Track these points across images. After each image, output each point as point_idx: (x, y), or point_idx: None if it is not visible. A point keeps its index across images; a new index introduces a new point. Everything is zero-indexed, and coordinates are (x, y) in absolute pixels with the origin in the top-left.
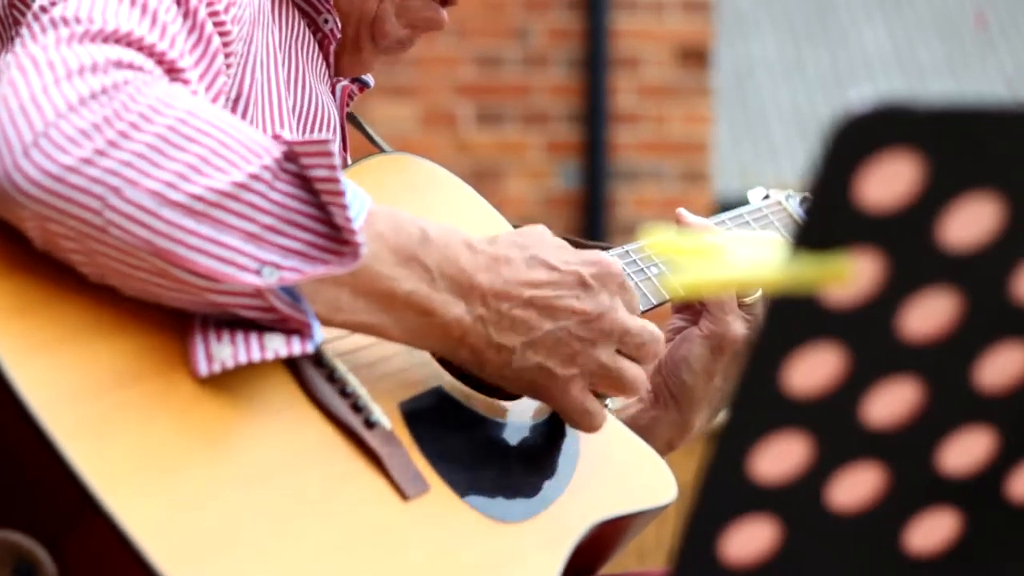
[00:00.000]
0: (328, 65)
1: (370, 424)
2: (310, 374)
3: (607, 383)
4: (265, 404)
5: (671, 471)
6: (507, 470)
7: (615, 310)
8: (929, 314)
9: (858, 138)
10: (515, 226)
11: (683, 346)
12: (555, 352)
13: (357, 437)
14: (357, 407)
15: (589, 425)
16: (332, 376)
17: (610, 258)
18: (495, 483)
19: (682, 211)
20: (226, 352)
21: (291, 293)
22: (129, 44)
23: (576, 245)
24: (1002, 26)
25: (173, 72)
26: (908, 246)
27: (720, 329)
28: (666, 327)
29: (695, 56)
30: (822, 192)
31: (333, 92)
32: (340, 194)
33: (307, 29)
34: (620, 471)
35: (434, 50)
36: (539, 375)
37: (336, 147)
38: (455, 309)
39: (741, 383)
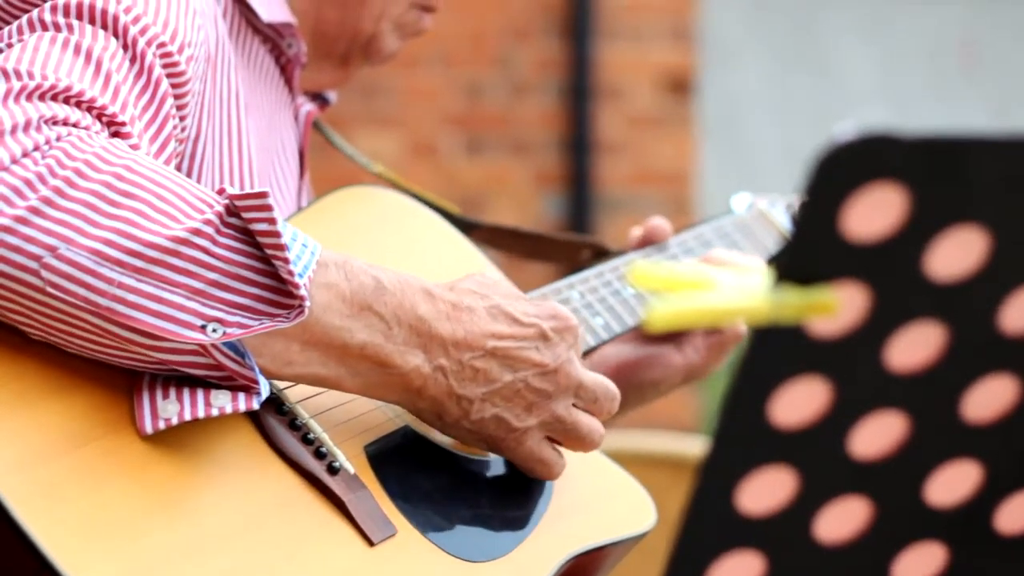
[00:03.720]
0: (291, 89)
1: (333, 470)
2: (271, 422)
3: (563, 435)
4: (225, 456)
5: (650, 497)
6: (478, 506)
7: (571, 362)
8: (915, 346)
9: (843, 170)
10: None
11: (656, 370)
12: (512, 403)
13: (321, 484)
14: (320, 453)
15: (545, 474)
16: (293, 423)
17: (567, 311)
18: (465, 521)
19: (657, 221)
20: (171, 409)
21: (236, 349)
22: (67, 100)
23: (557, 242)
24: (987, 56)
25: (114, 126)
26: (893, 278)
27: (708, 368)
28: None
29: (680, 86)
30: (807, 224)
31: (296, 116)
32: (282, 248)
33: (268, 55)
34: (596, 500)
35: (418, 80)
36: (496, 427)
37: (275, 175)
38: (413, 359)
39: (727, 416)
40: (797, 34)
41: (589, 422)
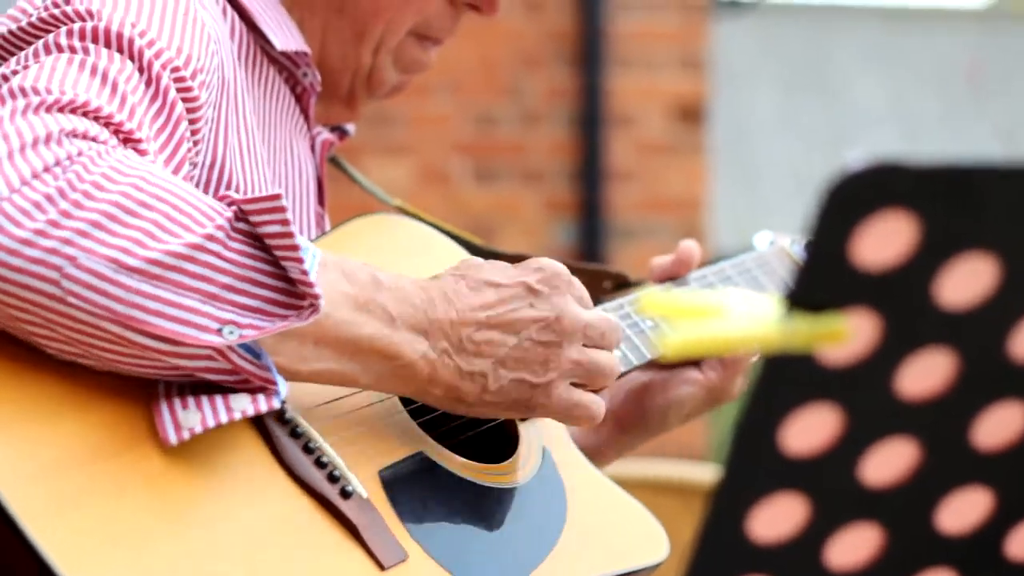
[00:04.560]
0: (307, 118)
1: (346, 494)
2: (284, 444)
3: (585, 377)
4: (238, 477)
5: (663, 528)
6: (491, 535)
7: (569, 305)
8: (925, 373)
9: (853, 198)
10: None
11: (680, 388)
12: (527, 363)
13: (333, 507)
14: (333, 476)
15: (588, 416)
16: (307, 446)
17: (551, 261)
18: (477, 549)
19: (688, 243)
20: (194, 418)
21: (251, 350)
22: (85, 114)
23: (580, 271)
24: (996, 81)
25: (130, 142)
26: (904, 305)
27: (727, 386)
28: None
29: (691, 113)
30: (818, 252)
31: (312, 145)
32: (295, 248)
33: (284, 84)
34: (609, 531)
35: (429, 108)
36: (519, 390)
37: (290, 201)
38: (419, 346)
39: (738, 442)
40: (806, 60)
41: (605, 357)
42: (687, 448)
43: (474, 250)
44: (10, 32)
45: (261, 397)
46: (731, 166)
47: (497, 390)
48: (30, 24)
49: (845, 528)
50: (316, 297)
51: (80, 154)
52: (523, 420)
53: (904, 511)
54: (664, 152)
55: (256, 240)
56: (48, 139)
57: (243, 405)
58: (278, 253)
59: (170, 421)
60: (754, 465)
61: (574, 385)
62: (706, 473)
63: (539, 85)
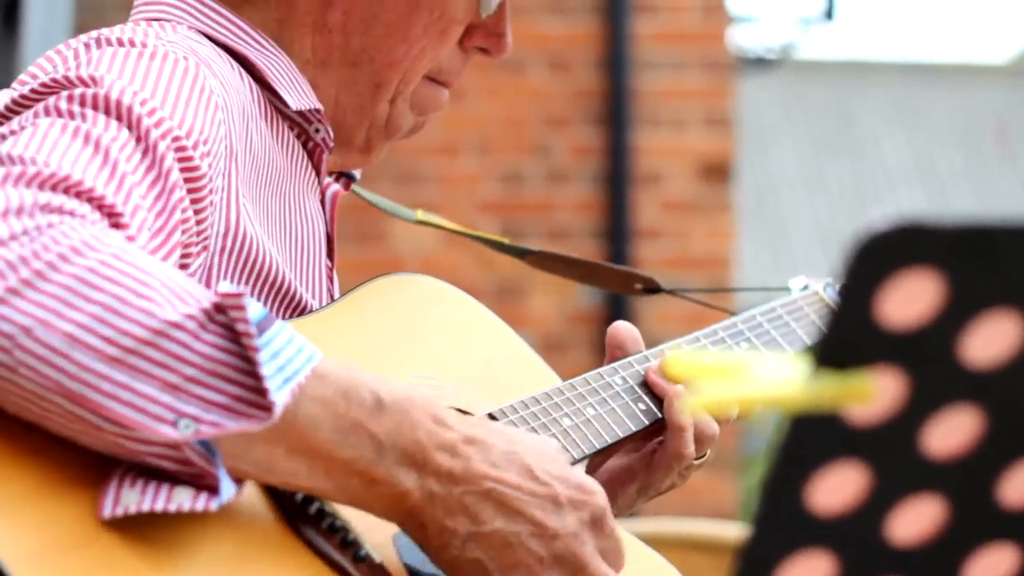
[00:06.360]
0: (318, 174)
1: (359, 559)
2: (296, 508)
3: None
4: (249, 543)
5: None
6: None
7: (578, 539)
8: (951, 431)
9: (879, 256)
10: (532, 344)
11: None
12: (498, 554)
13: (346, 573)
14: (346, 542)
15: None
16: (320, 510)
17: (599, 490)
18: None
19: (617, 326)
20: (132, 498)
21: (208, 447)
22: (67, 190)
23: (610, 270)
24: (1022, 137)
25: (113, 218)
26: (930, 364)
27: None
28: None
29: (717, 172)
30: (844, 311)
31: (323, 199)
32: (254, 349)
33: (296, 140)
34: None
35: (456, 167)
36: (474, 571)
37: (303, 259)
38: (405, 481)
39: (766, 501)
40: (832, 117)
41: None
42: (718, 506)
43: (503, 249)
44: (20, 96)
45: (204, 496)
46: (757, 223)
47: (456, 558)
48: (31, 91)
49: None
50: (271, 405)
51: (51, 226)
52: None
53: (931, 569)
54: (690, 210)
55: (235, 335)
56: (20, 210)
57: (183, 498)
58: (248, 353)
59: (113, 494)
60: (782, 523)
61: None
62: (736, 531)
63: (565, 144)
